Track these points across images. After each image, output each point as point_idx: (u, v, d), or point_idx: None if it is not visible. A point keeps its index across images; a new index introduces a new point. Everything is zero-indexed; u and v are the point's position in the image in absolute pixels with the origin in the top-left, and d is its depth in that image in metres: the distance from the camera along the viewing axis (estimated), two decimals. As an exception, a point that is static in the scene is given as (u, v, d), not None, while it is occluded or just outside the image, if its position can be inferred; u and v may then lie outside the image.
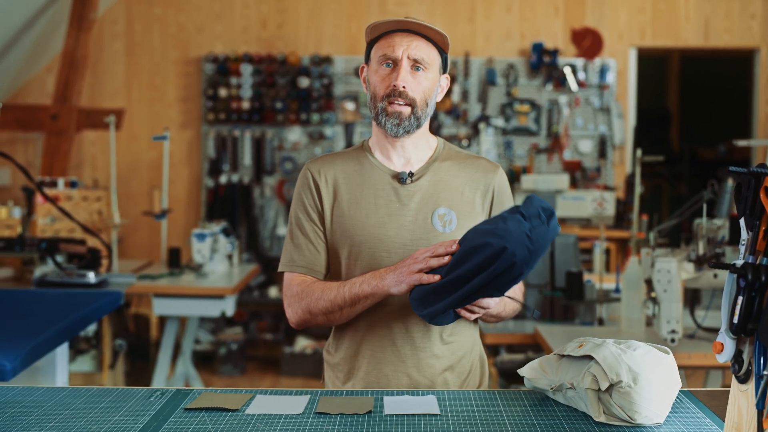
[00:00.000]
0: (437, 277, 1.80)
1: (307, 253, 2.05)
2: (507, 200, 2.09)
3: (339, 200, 2.03)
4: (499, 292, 1.77)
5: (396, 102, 1.97)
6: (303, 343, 6.08)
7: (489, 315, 1.98)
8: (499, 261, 1.68)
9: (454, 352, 2.04)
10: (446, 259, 1.80)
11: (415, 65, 1.98)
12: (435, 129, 6.61)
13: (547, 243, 1.73)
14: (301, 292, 2.01)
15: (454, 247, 1.80)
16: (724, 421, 1.46)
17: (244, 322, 6.59)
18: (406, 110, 1.98)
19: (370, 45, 2.05)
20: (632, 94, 7.03)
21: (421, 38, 1.98)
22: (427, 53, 1.99)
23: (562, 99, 6.83)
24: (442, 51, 2.03)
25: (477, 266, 1.71)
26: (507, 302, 1.99)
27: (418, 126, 2.01)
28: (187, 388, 1.87)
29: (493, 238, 1.69)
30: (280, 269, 2.08)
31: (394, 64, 1.98)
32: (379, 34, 2.02)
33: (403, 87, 1.96)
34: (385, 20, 1.99)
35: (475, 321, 2.12)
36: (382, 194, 2.02)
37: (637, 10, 6.97)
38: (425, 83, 1.99)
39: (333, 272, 2.07)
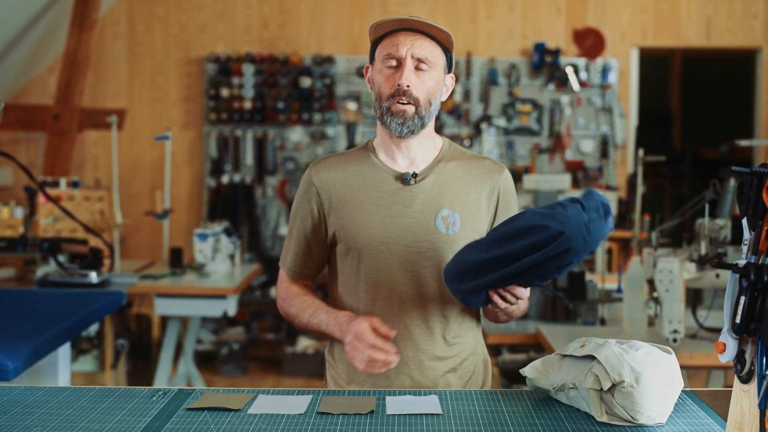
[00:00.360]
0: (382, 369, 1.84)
1: (295, 257, 2.13)
2: (512, 201, 2.08)
3: (341, 202, 2.03)
4: (541, 279, 1.74)
5: (400, 101, 1.96)
6: (305, 343, 6.08)
7: (504, 312, 1.97)
8: (554, 244, 1.67)
9: (457, 353, 2.04)
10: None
11: (419, 64, 1.96)
12: (437, 129, 6.60)
13: (601, 238, 1.72)
14: (284, 299, 2.13)
15: (392, 358, 1.83)
16: (726, 421, 1.46)
17: (246, 322, 6.60)
18: (411, 109, 1.96)
19: (374, 44, 2.04)
20: (634, 93, 7.03)
21: (425, 37, 1.97)
22: (431, 52, 1.98)
23: (564, 99, 6.83)
24: (447, 50, 2.02)
25: (530, 246, 1.69)
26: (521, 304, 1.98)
27: (423, 126, 2.00)
28: (189, 387, 1.87)
29: (551, 222, 1.68)
30: (279, 263, 2.19)
31: (398, 63, 1.97)
32: (383, 33, 2.01)
33: (407, 86, 1.95)
34: (389, 19, 1.98)
35: (478, 320, 2.11)
36: (384, 195, 2.01)
37: (639, 10, 6.96)
38: (429, 82, 1.98)
39: (340, 273, 2.07)
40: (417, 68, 1.96)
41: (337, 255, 2.07)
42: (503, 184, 2.06)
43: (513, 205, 2.08)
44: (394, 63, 1.97)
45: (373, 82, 2.03)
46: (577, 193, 6.03)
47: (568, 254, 1.68)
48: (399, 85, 1.95)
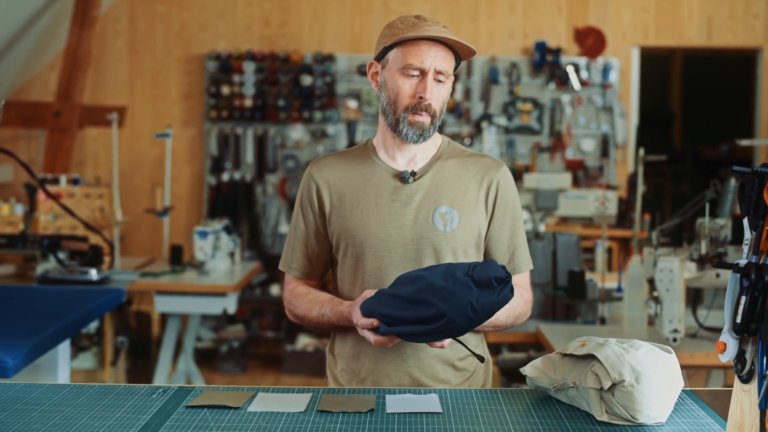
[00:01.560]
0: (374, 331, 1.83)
1: (300, 256, 2.12)
2: (512, 198, 2.08)
3: (341, 201, 2.04)
4: (451, 336, 1.81)
5: (420, 114, 1.97)
6: (304, 341, 6.08)
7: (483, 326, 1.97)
8: (439, 323, 1.73)
9: (457, 352, 2.03)
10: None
11: (438, 76, 1.97)
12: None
13: (493, 311, 1.76)
14: (292, 299, 2.11)
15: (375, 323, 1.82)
16: (726, 420, 1.45)
17: (246, 320, 6.60)
18: (428, 121, 1.98)
19: (390, 45, 1.99)
20: (635, 93, 7.03)
21: (445, 48, 1.97)
22: (449, 64, 1.98)
23: (565, 98, 6.83)
24: (458, 58, 2.02)
25: (419, 319, 1.75)
26: (500, 312, 1.96)
27: (433, 132, 2.03)
28: (188, 385, 1.87)
29: (438, 301, 1.72)
30: (279, 266, 2.16)
31: (421, 74, 1.96)
32: (405, 39, 1.96)
33: (429, 101, 1.96)
34: (418, 35, 1.92)
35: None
36: (383, 194, 2.02)
37: (640, 9, 6.96)
38: (444, 92, 2.00)
39: (340, 271, 2.08)
40: (435, 79, 1.97)
41: (336, 253, 2.07)
42: (501, 181, 2.06)
43: (513, 202, 2.08)
44: (416, 74, 1.96)
45: (384, 84, 2.02)
46: (578, 192, 6.03)
47: (454, 331, 1.75)
48: (423, 98, 1.95)
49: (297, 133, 6.80)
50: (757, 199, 1.31)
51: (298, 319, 2.08)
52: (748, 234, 1.34)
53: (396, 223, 1.99)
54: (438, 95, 1.98)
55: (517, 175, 6.51)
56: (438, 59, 1.95)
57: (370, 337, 1.83)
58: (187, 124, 6.95)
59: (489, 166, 2.07)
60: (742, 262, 1.32)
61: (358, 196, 2.03)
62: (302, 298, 2.07)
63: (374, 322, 1.81)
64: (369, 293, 1.87)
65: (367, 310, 1.83)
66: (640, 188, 3.96)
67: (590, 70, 6.85)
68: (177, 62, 6.96)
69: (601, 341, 1.69)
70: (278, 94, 6.81)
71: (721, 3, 6.94)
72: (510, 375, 3.76)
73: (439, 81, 1.97)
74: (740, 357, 1.35)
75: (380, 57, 2.03)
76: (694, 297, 3.32)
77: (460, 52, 2.00)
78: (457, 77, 6.75)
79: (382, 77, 2.03)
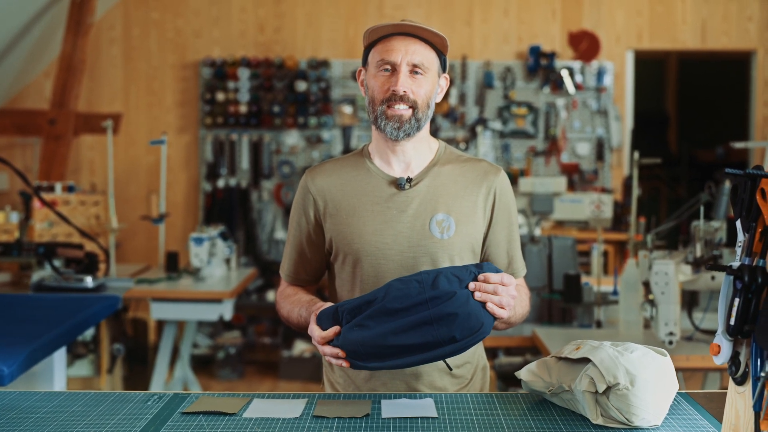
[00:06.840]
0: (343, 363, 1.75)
1: (292, 263, 2.13)
2: (510, 203, 2.06)
3: (336, 209, 2.03)
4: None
5: (396, 105, 1.96)
6: (301, 347, 6.08)
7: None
8: (434, 352, 1.71)
9: (454, 359, 2.03)
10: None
11: (414, 69, 1.96)
12: (432, 132, 6.60)
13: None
14: (280, 300, 2.12)
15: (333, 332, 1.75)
16: (721, 423, 1.46)
17: (242, 326, 6.59)
18: (407, 113, 1.96)
19: (368, 48, 2.04)
20: (630, 96, 7.04)
21: (419, 41, 1.96)
22: (426, 57, 1.97)
23: (560, 102, 6.84)
24: (441, 52, 2.02)
25: (419, 344, 1.70)
26: (516, 305, 1.95)
27: (419, 128, 1.99)
28: (185, 392, 1.87)
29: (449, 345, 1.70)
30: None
31: (393, 68, 1.96)
32: (377, 38, 2.01)
33: (404, 92, 1.95)
34: (382, 24, 1.97)
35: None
36: (379, 201, 2.00)
37: (634, 13, 6.98)
38: (426, 86, 1.98)
39: (337, 279, 2.07)
40: (412, 72, 1.96)
41: (333, 261, 2.06)
42: (499, 186, 2.04)
43: (511, 207, 2.06)
44: (388, 68, 1.96)
45: (366, 86, 2.03)
46: (573, 196, 6.03)
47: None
48: (394, 91, 1.94)
49: (292, 139, 6.81)
50: (749, 202, 1.32)
51: (284, 320, 2.08)
52: (741, 236, 1.34)
53: (392, 230, 1.98)
54: (416, 87, 1.96)
55: (513, 179, 6.51)
56: (410, 52, 1.95)
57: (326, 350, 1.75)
58: (183, 131, 6.95)
59: (487, 171, 2.05)
60: (735, 264, 1.33)
61: (353, 203, 2.01)
62: (288, 299, 2.07)
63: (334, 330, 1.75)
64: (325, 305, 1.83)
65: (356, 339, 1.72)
66: (636, 191, 3.96)
67: (585, 74, 6.86)
68: (172, 69, 6.96)
69: (596, 344, 1.69)
70: (273, 100, 6.81)
71: (714, 6, 6.96)
72: (507, 379, 3.76)
73: (417, 73, 1.96)
74: (734, 359, 1.35)
75: (364, 62, 2.06)
76: (690, 300, 3.32)
77: (434, 43, 1.99)
78: (452, 81, 6.76)
79: (366, 80, 2.04)
